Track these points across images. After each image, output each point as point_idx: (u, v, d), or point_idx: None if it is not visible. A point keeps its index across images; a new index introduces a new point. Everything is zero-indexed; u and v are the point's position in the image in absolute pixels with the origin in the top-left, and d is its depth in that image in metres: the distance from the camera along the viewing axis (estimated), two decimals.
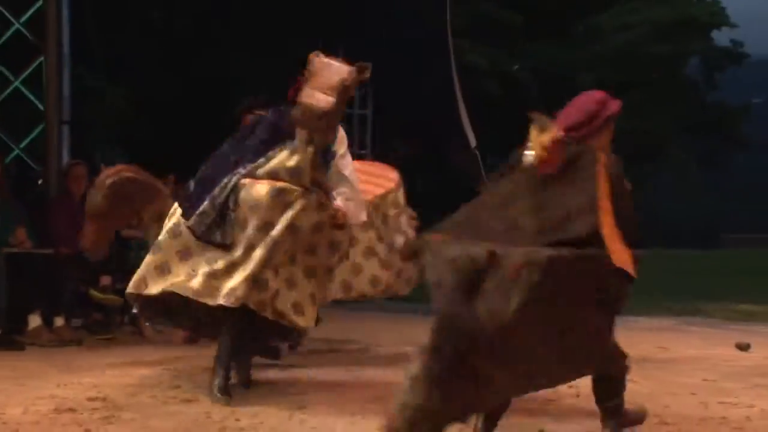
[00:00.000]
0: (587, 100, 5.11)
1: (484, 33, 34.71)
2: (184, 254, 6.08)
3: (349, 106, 18.28)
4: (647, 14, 35.78)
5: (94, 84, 13.28)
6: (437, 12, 14.51)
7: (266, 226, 6.01)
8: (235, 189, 6.03)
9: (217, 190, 6.04)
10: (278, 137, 6.14)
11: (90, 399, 6.10)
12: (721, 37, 38.04)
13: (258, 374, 6.86)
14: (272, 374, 7.13)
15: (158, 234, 6.32)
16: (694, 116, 36.60)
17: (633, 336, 10.68)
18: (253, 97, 7.32)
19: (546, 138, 4.76)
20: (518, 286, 4.21)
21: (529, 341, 4.30)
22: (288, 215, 6.02)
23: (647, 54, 34.83)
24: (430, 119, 16.00)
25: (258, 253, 5.97)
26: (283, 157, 6.10)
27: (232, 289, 5.93)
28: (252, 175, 6.07)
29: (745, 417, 6.04)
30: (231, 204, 6.02)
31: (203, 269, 6.01)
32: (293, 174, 6.08)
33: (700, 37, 36.92)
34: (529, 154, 4.97)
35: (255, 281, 5.97)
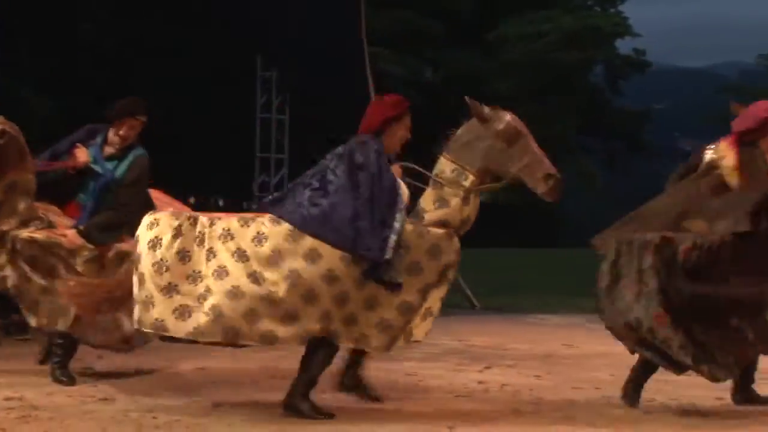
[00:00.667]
0: (758, 109, 6.38)
1: (404, 41, 34.99)
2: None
3: (267, 111, 18.47)
4: (556, 23, 36.50)
5: (21, 94, 13.19)
6: (352, 21, 14.75)
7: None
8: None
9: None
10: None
11: (6, 399, 6.13)
12: (624, 45, 38.99)
13: (174, 370, 6.93)
14: (189, 371, 7.20)
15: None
16: (598, 121, 37.39)
17: (542, 333, 10.99)
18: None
19: None
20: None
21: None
22: None
23: (556, 61, 35.51)
24: (347, 126, 16.17)
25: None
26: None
27: None
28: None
29: (645, 411, 6.26)
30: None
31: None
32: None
33: (604, 45, 37.80)
34: (709, 154, 6.36)
35: None
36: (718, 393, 6.67)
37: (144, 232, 5.79)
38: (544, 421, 5.86)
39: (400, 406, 6.24)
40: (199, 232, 5.77)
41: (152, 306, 5.65)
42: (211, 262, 5.71)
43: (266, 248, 5.70)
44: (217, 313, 5.60)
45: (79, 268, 6.64)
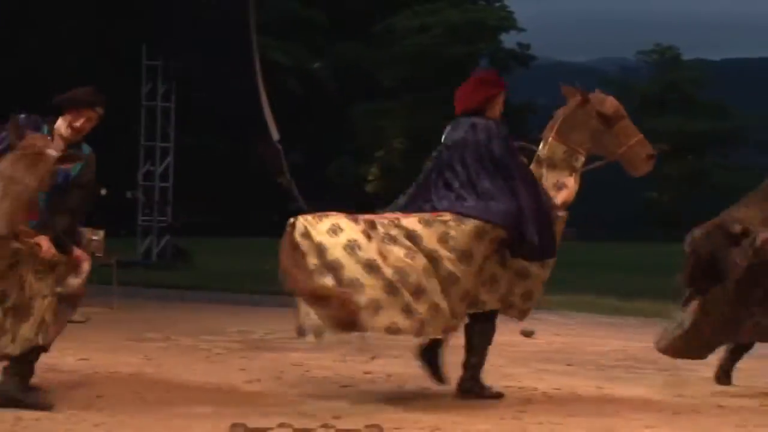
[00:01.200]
0: None
1: (290, 31, 34.89)
2: None
3: (152, 98, 18.28)
4: (441, 17, 36.84)
5: None
6: (239, 9, 14.70)
7: None
8: None
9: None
10: None
11: None
12: (509, 40, 39.56)
13: (52, 368, 6.80)
14: (67, 369, 7.08)
15: None
16: None
17: None
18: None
19: None
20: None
21: None
22: None
23: (442, 54, 35.86)
24: (236, 114, 16.11)
25: None
26: None
27: None
28: None
29: (528, 400, 6.43)
30: None
31: None
32: None
33: (489, 39, 38.29)
34: None
35: None
36: None
37: (328, 238, 5.79)
38: (430, 410, 5.96)
39: (286, 395, 6.28)
40: (384, 233, 5.94)
41: (381, 309, 5.83)
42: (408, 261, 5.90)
43: (456, 245, 6.01)
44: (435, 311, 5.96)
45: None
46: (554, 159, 6.51)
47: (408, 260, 5.91)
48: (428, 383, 6.77)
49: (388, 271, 5.82)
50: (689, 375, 7.58)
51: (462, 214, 6.08)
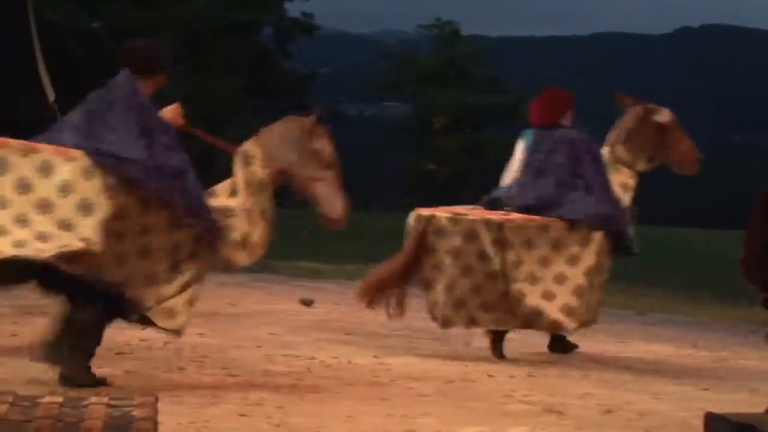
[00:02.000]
0: None
1: None
2: None
3: None
4: None
5: None
6: None
7: None
8: None
9: None
10: None
11: None
12: (293, 8, 39.54)
13: None
14: None
15: None
16: (265, 82, 37.73)
17: (206, 291, 10.99)
18: None
19: None
20: None
21: None
22: None
23: (222, 20, 35.53)
24: (8, 76, 15.51)
25: None
26: None
27: None
28: None
29: (307, 368, 6.48)
30: None
31: None
32: None
33: (273, 7, 38.11)
34: None
35: None
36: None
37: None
38: (207, 378, 5.93)
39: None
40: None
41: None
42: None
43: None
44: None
45: None
46: (619, 163, 7.64)
47: None
48: (207, 351, 6.74)
49: None
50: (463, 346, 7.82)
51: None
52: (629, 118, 7.74)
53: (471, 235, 7.07)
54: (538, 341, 7.79)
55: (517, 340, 7.67)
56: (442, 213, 7.25)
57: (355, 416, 5.13)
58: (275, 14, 38.54)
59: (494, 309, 7.12)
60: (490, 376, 6.58)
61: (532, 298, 7.09)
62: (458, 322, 7.16)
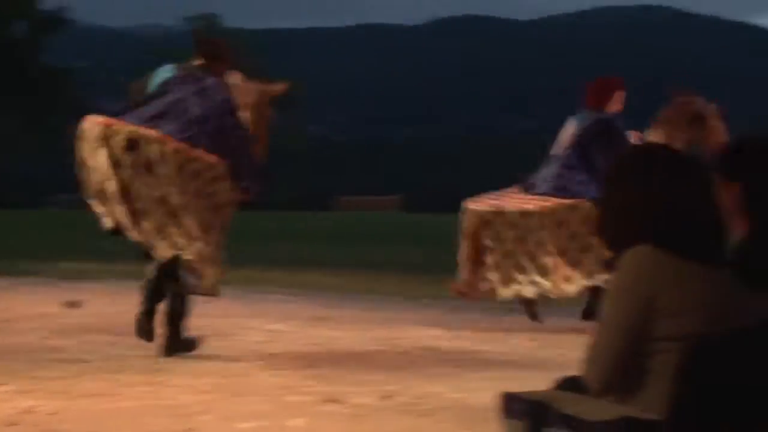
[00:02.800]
0: None
1: None
2: None
3: None
4: None
5: None
6: None
7: None
8: None
9: None
10: None
11: None
12: (49, 3, 38.57)
13: None
14: None
15: None
16: (18, 78, 36.55)
17: None
18: None
19: None
20: None
21: None
22: None
23: None
24: None
25: None
26: None
27: None
28: None
29: (81, 371, 6.24)
30: None
31: None
32: None
33: (26, 1, 36.95)
34: None
35: None
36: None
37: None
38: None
39: None
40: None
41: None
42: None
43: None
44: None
45: None
46: None
47: None
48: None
49: None
50: (240, 340, 7.79)
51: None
52: (671, 108, 8.19)
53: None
54: (316, 334, 7.80)
55: (296, 333, 7.67)
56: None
57: (133, 418, 5.00)
58: (29, 8, 37.28)
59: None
60: (268, 370, 6.55)
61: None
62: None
